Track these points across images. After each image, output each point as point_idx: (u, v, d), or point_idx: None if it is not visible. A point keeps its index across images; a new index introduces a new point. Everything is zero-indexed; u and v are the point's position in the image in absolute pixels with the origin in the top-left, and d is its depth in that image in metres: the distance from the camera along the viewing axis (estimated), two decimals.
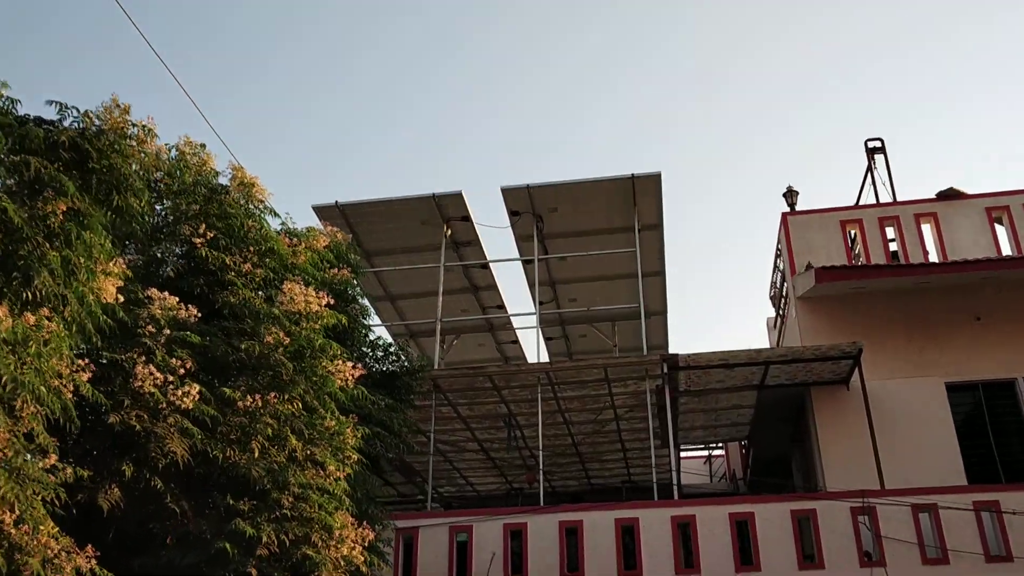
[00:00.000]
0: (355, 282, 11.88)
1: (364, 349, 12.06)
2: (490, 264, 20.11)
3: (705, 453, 27.06)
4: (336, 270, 11.44)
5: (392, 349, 12.36)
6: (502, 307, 21.46)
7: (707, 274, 64.90)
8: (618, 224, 18.72)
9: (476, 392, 17.62)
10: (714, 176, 66.52)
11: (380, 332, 15.18)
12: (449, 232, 18.74)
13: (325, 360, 9.32)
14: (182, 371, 8.27)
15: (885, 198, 19.55)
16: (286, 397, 8.84)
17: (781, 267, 20.85)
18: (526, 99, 65.56)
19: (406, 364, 12.29)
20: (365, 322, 11.98)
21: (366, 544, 9.13)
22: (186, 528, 8.27)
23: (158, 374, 8.08)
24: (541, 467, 16.57)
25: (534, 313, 17.97)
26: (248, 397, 8.62)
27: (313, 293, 9.44)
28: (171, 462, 7.99)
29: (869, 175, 19.94)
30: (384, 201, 18.21)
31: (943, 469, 15.80)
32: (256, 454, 8.45)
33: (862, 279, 16.43)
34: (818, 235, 18.70)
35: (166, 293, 8.65)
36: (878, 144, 20.12)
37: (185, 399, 8.06)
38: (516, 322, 21.29)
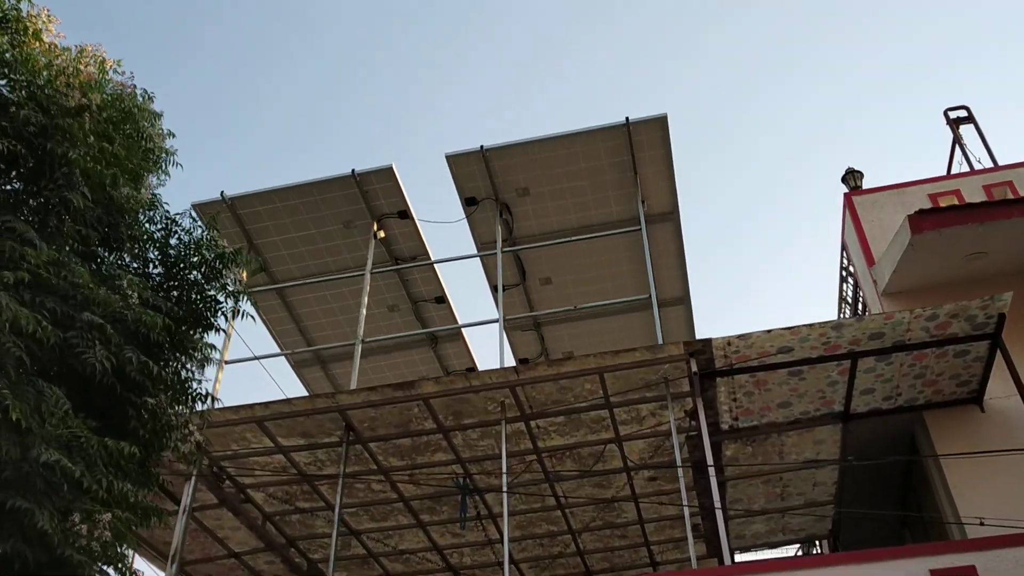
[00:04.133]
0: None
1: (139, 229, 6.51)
2: (449, 297, 14.68)
3: None
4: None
5: (182, 222, 6.70)
6: (473, 369, 15.80)
7: (742, 298, 53.84)
8: (617, 212, 13.43)
9: (414, 441, 11.70)
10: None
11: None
12: (381, 233, 13.51)
13: None
14: None
15: None
16: None
17: (849, 294, 15.25)
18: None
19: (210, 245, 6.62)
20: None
21: None
22: None
23: None
24: (507, 554, 10.33)
25: (496, 320, 12.29)
26: None
27: None
28: None
29: (958, 149, 14.68)
30: (288, 189, 13.15)
31: None
32: None
33: (985, 221, 10.73)
34: (899, 217, 13.17)
35: None
36: (963, 114, 15.01)
37: None
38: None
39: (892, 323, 10.06)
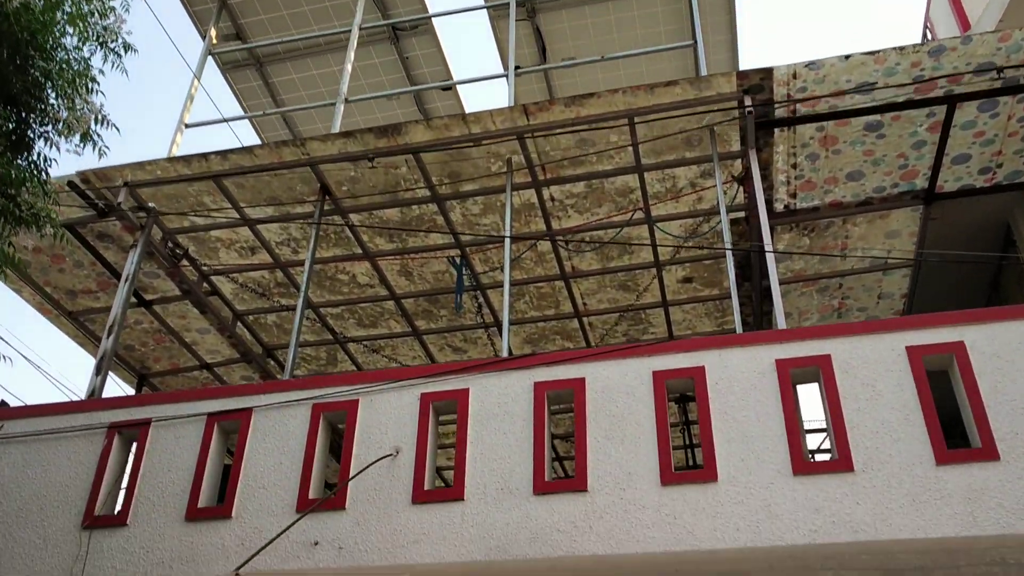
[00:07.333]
0: None
1: None
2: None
3: None
4: None
5: None
6: None
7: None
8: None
9: (404, 214, 9.80)
10: None
11: None
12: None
13: None
14: None
15: None
16: None
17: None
18: None
19: None
20: None
21: None
22: None
23: None
24: (507, 315, 8.50)
25: (504, 75, 10.23)
26: None
27: None
28: None
29: None
30: None
31: None
32: None
33: None
34: None
35: None
36: None
37: None
38: None
39: (1008, 47, 7.87)
